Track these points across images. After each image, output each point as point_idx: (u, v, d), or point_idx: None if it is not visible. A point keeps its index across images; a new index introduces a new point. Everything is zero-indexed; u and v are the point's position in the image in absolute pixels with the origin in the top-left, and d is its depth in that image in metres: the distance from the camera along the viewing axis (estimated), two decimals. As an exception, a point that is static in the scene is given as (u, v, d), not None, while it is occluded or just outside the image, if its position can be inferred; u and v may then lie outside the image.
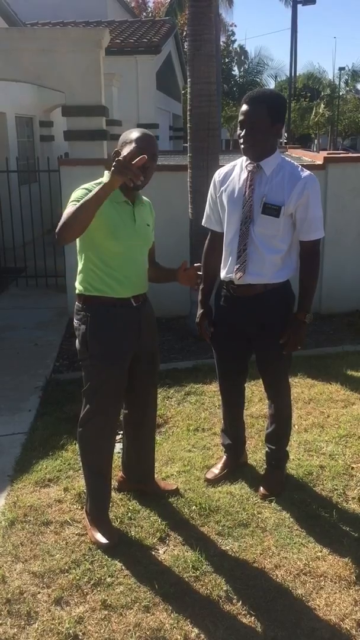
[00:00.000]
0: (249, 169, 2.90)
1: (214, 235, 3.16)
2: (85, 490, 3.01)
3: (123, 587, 2.55)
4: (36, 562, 2.71)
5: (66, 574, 2.63)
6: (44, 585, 2.58)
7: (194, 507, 3.07)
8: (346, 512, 3.06)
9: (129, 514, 3.02)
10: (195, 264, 2.88)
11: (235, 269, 2.93)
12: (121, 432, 3.22)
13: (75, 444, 3.51)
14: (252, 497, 3.16)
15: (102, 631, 2.34)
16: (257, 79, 30.74)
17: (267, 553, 2.76)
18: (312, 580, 2.60)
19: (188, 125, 5.63)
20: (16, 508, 3.10)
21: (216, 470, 3.36)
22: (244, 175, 2.92)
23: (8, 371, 5.05)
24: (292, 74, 28.04)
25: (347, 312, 6.39)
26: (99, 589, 2.55)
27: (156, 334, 3.01)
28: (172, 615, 2.41)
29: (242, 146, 2.87)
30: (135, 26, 16.74)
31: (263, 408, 4.05)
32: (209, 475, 3.33)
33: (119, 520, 2.98)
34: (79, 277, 2.76)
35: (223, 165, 3.14)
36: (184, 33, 7.99)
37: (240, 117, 2.83)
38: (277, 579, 2.61)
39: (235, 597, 2.50)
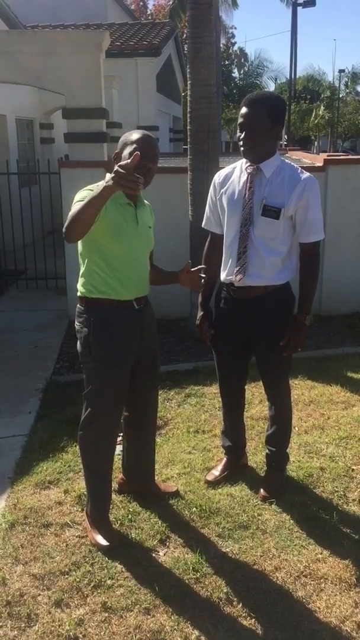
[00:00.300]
0: (248, 171, 2.91)
1: (214, 237, 3.16)
2: (85, 493, 3.01)
3: (123, 589, 2.55)
4: (36, 564, 2.71)
5: (66, 576, 2.63)
6: (44, 588, 2.58)
7: (194, 509, 3.07)
8: (346, 514, 3.06)
9: (129, 516, 3.02)
10: (198, 266, 2.88)
11: (235, 271, 2.93)
12: (121, 434, 3.22)
13: (75, 446, 3.52)
14: (252, 499, 3.16)
15: (102, 633, 2.34)
16: (257, 81, 30.78)
17: (268, 555, 2.76)
18: (312, 583, 2.60)
19: (188, 127, 5.64)
20: (16, 510, 3.10)
21: (216, 472, 3.36)
22: (244, 177, 2.92)
23: (8, 373, 5.05)
24: (292, 76, 28.07)
25: (347, 314, 6.39)
26: (99, 591, 2.55)
27: (157, 336, 3.01)
28: (172, 618, 2.40)
29: (241, 148, 2.87)
30: (136, 28, 16.76)
31: (263, 410, 4.05)
32: (209, 477, 3.33)
33: (119, 522, 2.98)
34: (81, 280, 2.76)
35: (223, 168, 3.15)
36: (184, 35, 8.01)
37: (240, 120, 2.83)
38: (278, 581, 2.61)
39: (235, 599, 2.50)
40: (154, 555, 2.77)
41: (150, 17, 33.08)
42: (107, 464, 2.90)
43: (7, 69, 7.55)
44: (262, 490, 3.20)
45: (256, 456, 3.57)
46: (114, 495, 3.11)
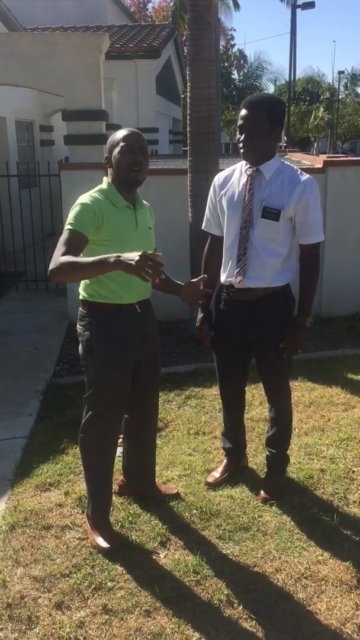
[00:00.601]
0: (248, 173, 2.91)
1: (214, 239, 3.17)
2: (86, 494, 3.01)
3: (124, 592, 2.55)
4: (37, 567, 2.71)
5: (67, 579, 2.63)
6: (45, 590, 2.58)
7: (194, 511, 3.07)
8: (347, 516, 3.05)
9: (130, 518, 3.02)
10: (200, 277, 2.81)
11: (235, 273, 2.93)
12: (122, 436, 3.22)
13: (75, 447, 3.51)
14: (252, 500, 3.16)
15: (103, 636, 2.34)
16: (257, 83, 30.79)
17: (268, 557, 2.76)
18: (313, 584, 2.59)
19: (188, 129, 5.65)
20: (17, 512, 3.09)
21: (217, 474, 3.35)
22: (244, 179, 2.93)
23: (8, 375, 5.05)
24: (292, 78, 28.09)
25: (347, 316, 6.39)
26: (99, 593, 2.54)
27: (159, 339, 3.01)
28: (173, 620, 2.40)
29: (241, 150, 2.88)
30: (135, 31, 16.79)
31: (263, 411, 4.05)
32: (210, 479, 3.32)
33: (119, 524, 2.98)
34: (83, 284, 2.75)
35: (223, 169, 3.15)
36: (184, 37, 8.02)
37: (240, 122, 2.84)
38: (278, 583, 2.60)
39: (236, 601, 2.50)
40: (154, 557, 2.77)
41: (149, 19, 33.13)
42: (108, 466, 2.89)
43: (7, 71, 7.56)
44: (262, 492, 3.19)
45: (256, 458, 3.57)
46: (114, 497, 3.11)
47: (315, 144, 40.31)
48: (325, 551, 2.79)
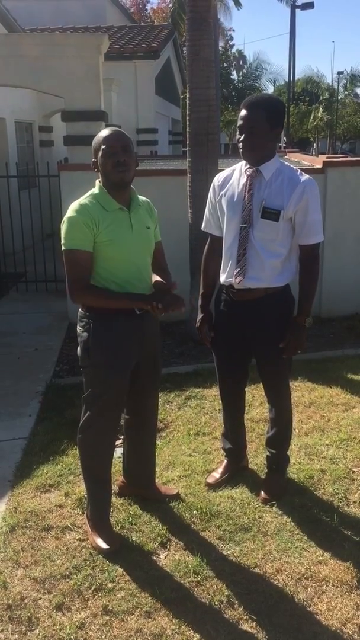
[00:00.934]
0: (248, 173, 2.91)
1: (214, 239, 3.17)
2: (85, 495, 3.01)
3: (124, 593, 2.55)
4: (37, 568, 2.70)
5: (67, 580, 2.63)
6: (45, 591, 2.57)
7: (194, 511, 3.06)
8: (347, 516, 3.05)
9: (130, 519, 3.02)
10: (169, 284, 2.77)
11: (235, 274, 2.93)
12: (122, 437, 3.21)
13: (75, 448, 3.51)
14: (253, 501, 3.16)
15: (103, 637, 2.34)
16: (256, 84, 30.78)
17: (269, 557, 2.76)
18: (313, 585, 2.59)
19: (187, 129, 5.64)
20: (17, 513, 3.09)
21: (217, 474, 3.35)
22: (243, 179, 2.93)
23: (8, 376, 5.05)
24: (291, 78, 28.10)
25: (347, 316, 6.39)
26: (100, 594, 2.54)
27: (159, 340, 3.00)
28: (173, 621, 2.40)
29: (241, 151, 2.88)
30: (134, 31, 16.79)
31: (263, 412, 4.04)
32: (210, 480, 3.32)
33: (119, 525, 2.97)
34: None
35: (222, 170, 3.15)
36: (183, 38, 8.02)
37: (240, 122, 2.84)
38: (279, 584, 2.60)
39: (236, 602, 2.50)
40: (154, 558, 2.77)
41: (149, 20, 33.14)
42: (106, 467, 2.89)
43: (7, 72, 7.57)
44: (262, 492, 3.19)
45: (257, 458, 3.57)
46: (114, 498, 3.11)
47: (314, 144, 40.32)
48: (326, 551, 2.78)
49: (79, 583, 2.60)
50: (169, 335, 5.86)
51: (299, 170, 2.93)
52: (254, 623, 2.39)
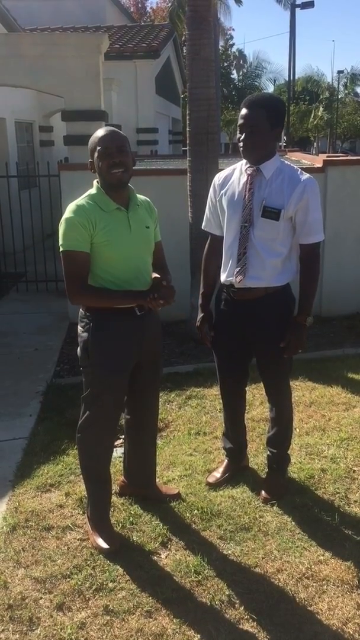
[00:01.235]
0: (248, 172, 2.91)
1: (214, 238, 3.16)
2: (86, 495, 3.00)
3: (125, 592, 2.55)
4: (38, 568, 2.70)
5: (68, 580, 2.63)
6: (46, 591, 2.57)
7: (195, 511, 3.06)
8: (348, 516, 3.05)
9: (131, 519, 3.02)
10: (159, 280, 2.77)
11: (235, 273, 2.93)
12: (122, 437, 3.21)
13: (76, 448, 3.51)
14: (253, 501, 3.16)
15: (104, 637, 2.34)
16: (256, 83, 30.76)
17: (269, 557, 2.75)
18: (314, 584, 2.59)
19: (187, 129, 5.64)
20: (17, 513, 3.09)
21: (217, 474, 3.35)
22: (244, 178, 2.92)
23: (9, 376, 5.05)
24: (291, 78, 28.08)
25: (347, 315, 6.38)
26: (100, 594, 2.54)
27: (160, 341, 3.00)
28: (174, 621, 2.40)
29: (241, 150, 2.87)
30: (134, 31, 16.78)
31: (264, 411, 4.04)
32: (211, 479, 3.32)
33: (120, 525, 2.97)
34: None
35: (222, 169, 3.15)
36: (183, 37, 8.02)
37: (240, 121, 2.83)
38: (279, 583, 2.60)
39: (237, 601, 2.50)
40: (155, 558, 2.77)
41: (149, 20, 33.12)
42: (105, 467, 2.89)
43: (7, 72, 7.57)
44: (263, 492, 3.19)
45: (257, 458, 3.57)
46: (115, 498, 3.11)
47: (314, 143, 40.32)
48: (327, 551, 2.78)
49: (79, 583, 2.60)
50: (169, 335, 5.85)
51: (300, 170, 2.93)
52: (255, 622, 2.39)
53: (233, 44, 34.59)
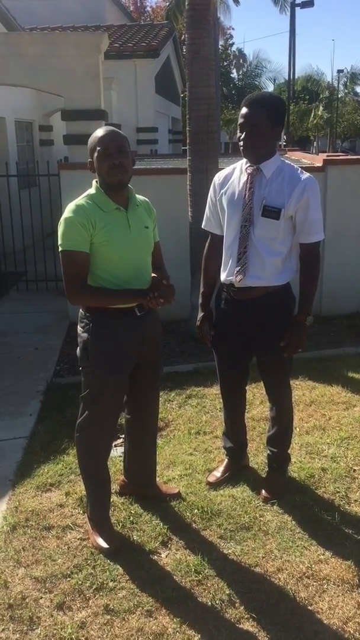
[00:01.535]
0: (248, 171, 2.91)
1: (214, 238, 3.16)
2: (85, 495, 3.00)
3: (125, 592, 2.55)
4: (38, 567, 2.70)
5: (68, 579, 2.63)
6: (46, 590, 2.57)
7: (195, 510, 3.06)
8: (348, 515, 3.05)
9: (131, 518, 3.02)
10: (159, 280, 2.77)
11: (235, 272, 2.93)
12: (123, 436, 3.21)
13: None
14: (254, 500, 3.16)
15: (104, 636, 2.34)
16: (256, 82, 30.74)
17: (270, 556, 2.75)
18: (314, 584, 2.59)
19: (187, 128, 5.64)
20: (18, 513, 3.09)
21: (218, 473, 3.35)
22: (244, 178, 2.92)
23: (9, 375, 5.05)
24: (291, 77, 28.06)
25: (347, 314, 6.38)
26: (101, 593, 2.54)
27: (160, 341, 2.99)
28: (174, 620, 2.40)
29: (241, 149, 2.87)
30: (134, 30, 16.78)
31: (264, 411, 4.04)
32: (211, 479, 3.32)
33: (120, 524, 2.97)
34: None
35: (222, 168, 3.14)
36: (183, 37, 8.03)
37: (240, 120, 2.83)
38: (280, 583, 2.60)
39: (237, 600, 2.50)
40: (155, 557, 2.77)
41: (148, 19, 33.10)
42: (104, 466, 2.89)
43: (6, 71, 7.56)
44: (263, 491, 3.19)
45: (257, 457, 3.57)
46: (115, 497, 3.11)
47: (314, 142, 40.30)
48: (327, 550, 2.78)
49: (80, 582, 2.60)
50: (169, 334, 5.85)
51: (300, 169, 2.93)
52: (255, 622, 2.39)
53: (233, 43, 34.61)
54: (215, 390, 4.45)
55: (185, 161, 5.82)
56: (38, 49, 7.53)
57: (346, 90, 37.72)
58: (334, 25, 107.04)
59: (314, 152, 26.81)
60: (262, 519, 3.01)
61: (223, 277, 3.04)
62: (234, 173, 3.00)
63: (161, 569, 2.69)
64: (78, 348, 2.78)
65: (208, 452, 3.68)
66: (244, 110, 2.81)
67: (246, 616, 2.42)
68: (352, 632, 2.35)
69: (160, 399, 3.39)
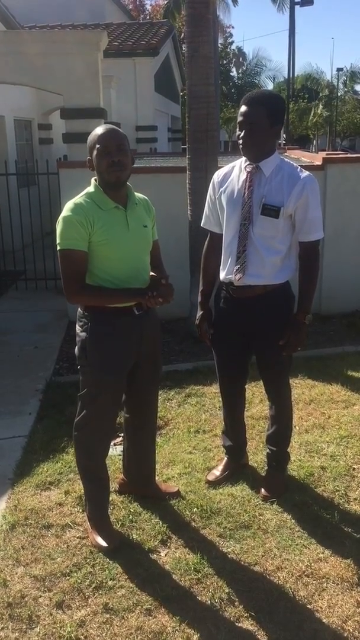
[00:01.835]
0: (248, 170, 2.90)
1: (213, 236, 3.16)
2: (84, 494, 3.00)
3: (125, 590, 2.54)
4: (37, 566, 2.70)
5: (67, 578, 2.63)
6: (45, 589, 2.57)
7: (195, 509, 3.06)
8: (348, 513, 3.05)
9: (130, 517, 3.02)
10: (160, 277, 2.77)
11: (234, 271, 2.92)
12: (122, 435, 3.21)
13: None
14: (253, 498, 3.16)
15: (104, 635, 2.34)
16: (256, 81, 30.76)
17: (269, 555, 2.75)
18: (314, 582, 2.59)
19: (187, 127, 5.63)
20: (17, 511, 3.09)
21: (217, 472, 3.35)
22: (243, 176, 2.92)
23: (8, 374, 5.04)
24: (291, 75, 28.04)
25: (347, 313, 6.38)
26: (100, 592, 2.54)
27: (159, 340, 2.99)
28: (174, 618, 2.40)
29: (241, 147, 2.86)
30: (133, 28, 16.77)
31: (264, 409, 4.04)
32: (210, 477, 3.32)
33: (120, 523, 2.97)
34: None
35: (222, 167, 3.14)
36: (182, 35, 8.02)
37: (240, 118, 2.82)
38: (279, 581, 2.60)
39: (237, 599, 2.50)
40: (155, 556, 2.76)
41: (148, 17, 33.07)
42: (102, 465, 2.89)
43: (5, 70, 7.55)
44: (263, 489, 3.19)
45: (257, 456, 3.57)
46: (114, 496, 3.11)
47: (314, 141, 40.28)
48: (326, 549, 2.78)
49: (79, 581, 2.59)
50: (168, 333, 5.85)
51: (299, 167, 2.92)
52: (255, 620, 2.39)
53: (232, 42, 34.59)
54: (214, 388, 4.45)
55: (185, 160, 5.81)
56: (37, 47, 7.52)
57: (346, 89, 37.72)
58: (334, 23, 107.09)
59: (313, 150, 26.81)
60: (261, 517, 3.01)
61: (222, 275, 3.04)
62: (233, 171, 3.00)
63: (160, 567, 2.69)
64: (76, 347, 2.77)
65: (207, 450, 3.68)
66: (243, 108, 2.80)
67: (245, 615, 2.42)
68: (351, 630, 2.35)
69: (160, 397, 3.39)
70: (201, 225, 3.24)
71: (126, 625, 2.37)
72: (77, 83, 7.52)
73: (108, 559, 2.72)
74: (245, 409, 3.50)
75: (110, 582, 2.59)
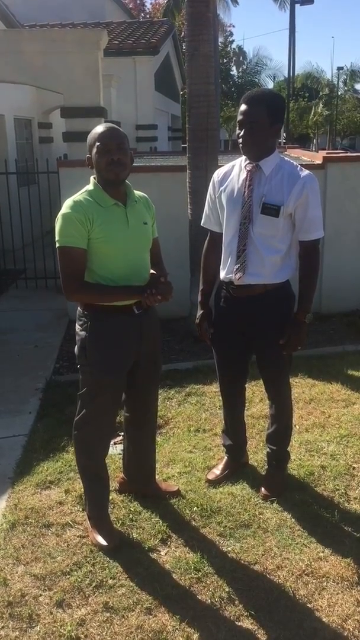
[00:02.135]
0: (248, 168, 2.90)
1: (214, 235, 3.15)
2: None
3: (125, 589, 2.55)
4: (37, 565, 2.70)
5: (68, 577, 2.63)
6: (46, 588, 2.57)
7: (195, 508, 3.06)
8: (348, 513, 3.05)
9: (130, 516, 3.02)
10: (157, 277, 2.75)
11: (234, 270, 2.92)
12: (122, 434, 3.21)
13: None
14: (253, 497, 3.16)
15: (104, 633, 2.34)
16: (256, 79, 30.69)
17: (269, 554, 2.75)
18: (314, 581, 2.59)
19: (187, 125, 5.63)
20: (17, 510, 3.09)
21: (217, 471, 3.35)
22: (243, 175, 2.91)
23: (8, 373, 5.04)
24: (291, 74, 28.02)
25: (347, 312, 6.38)
26: (100, 591, 2.54)
27: (159, 339, 2.98)
28: (174, 617, 2.40)
29: (241, 146, 2.86)
30: (134, 27, 16.75)
31: (264, 408, 4.04)
32: (210, 476, 3.32)
33: (120, 522, 2.97)
34: None
35: (222, 166, 3.14)
36: (182, 34, 8.01)
37: (240, 117, 2.82)
38: (279, 580, 2.60)
39: (237, 598, 2.50)
40: (155, 555, 2.77)
41: (148, 16, 33.04)
42: (102, 464, 2.89)
43: (6, 68, 7.54)
44: (263, 488, 3.19)
45: (257, 455, 3.57)
46: (115, 495, 3.11)
47: (314, 140, 40.26)
48: (326, 548, 2.78)
49: (79, 580, 2.60)
50: (169, 332, 5.85)
51: (299, 166, 2.92)
52: (255, 619, 2.39)
53: (233, 41, 34.50)
54: (214, 388, 4.45)
55: (185, 159, 5.81)
56: (37, 46, 7.51)
57: (346, 88, 37.72)
58: (334, 22, 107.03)
59: (313, 149, 26.79)
60: (261, 516, 3.01)
61: (222, 274, 3.04)
62: (233, 170, 3.00)
63: (160, 566, 2.69)
64: (76, 346, 2.77)
65: (207, 449, 3.68)
66: (243, 107, 2.80)
67: (245, 614, 2.42)
68: (351, 629, 2.35)
69: (160, 396, 3.39)
70: (201, 224, 3.24)
71: (126, 624, 2.37)
72: (77, 82, 7.51)
73: (108, 558, 2.72)
74: (246, 408, 3.50)
75: (110, 581, 2.59)
